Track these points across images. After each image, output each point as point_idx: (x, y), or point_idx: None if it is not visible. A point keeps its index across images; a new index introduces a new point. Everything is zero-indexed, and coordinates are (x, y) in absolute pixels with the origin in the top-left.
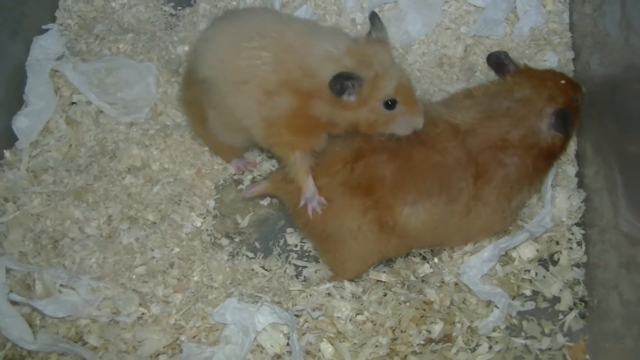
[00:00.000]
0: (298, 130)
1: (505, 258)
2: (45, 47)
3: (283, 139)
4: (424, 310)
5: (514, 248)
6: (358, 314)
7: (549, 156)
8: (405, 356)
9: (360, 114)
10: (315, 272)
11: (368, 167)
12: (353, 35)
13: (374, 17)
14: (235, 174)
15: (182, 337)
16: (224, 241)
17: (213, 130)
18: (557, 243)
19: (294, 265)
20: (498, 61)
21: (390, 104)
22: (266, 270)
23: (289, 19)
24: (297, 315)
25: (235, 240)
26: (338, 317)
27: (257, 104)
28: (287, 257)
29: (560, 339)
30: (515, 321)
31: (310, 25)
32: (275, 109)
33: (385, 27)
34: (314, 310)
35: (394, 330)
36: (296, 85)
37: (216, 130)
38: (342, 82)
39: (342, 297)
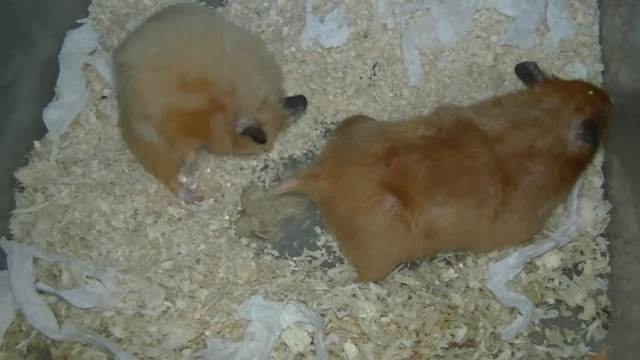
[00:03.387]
0: (191, 130)
1: (530, 266)
2: (79, 41)
3: (176, 133)
4: (448, 314)
5: (539, 256)
6: (383, 316)
7: (576, 166)
8: (428, 359)
9: (241, 149)
10: (340, 272)
11: (402, 165)
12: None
13: (302, 101)
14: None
15: (207, 332)
16: (249, 240)
17: (135, 128)
18: (582, 253)
19: (319, 265)
20: (526, 71)
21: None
22: (291, 269)
23: (224, 23)
24: (321, 315)
25: (261, 238)
26: (363, 318)
27: (166, 92)
28: (312, 257)
29: (583, 348)
30: (538, 329)
31: (241, 36)
32: (183, 104)
33: (302, 112)
34: (339, 310)
35: (418, 333)
36: (215, 92)
37: (137, 123)
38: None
39: (367, 299)
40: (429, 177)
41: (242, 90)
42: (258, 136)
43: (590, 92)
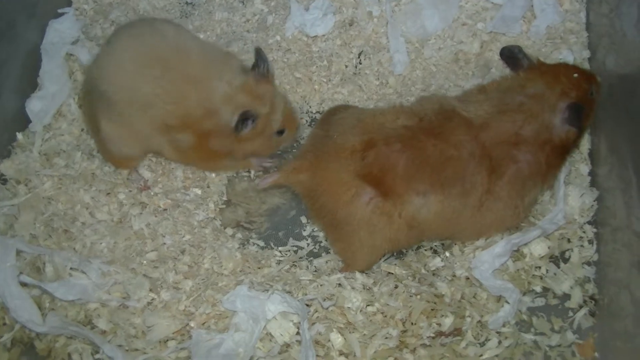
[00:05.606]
0: (205, 157)
1: (517, 254)
2: (61, 31)
3: (198, 162)
4: (435, 303)
5: (526, 244)
6: (368, 305)
7: (563, 151)
8: (415, 349)
9: (256, 143)
10: (326, 262)
11: (380, 157)
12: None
13: (259, 52)
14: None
15: (192, 324)
16: (235, 230)
17: (107, 141)
18: (569, 241)
19: (305, 255)
20: (511, 55)
21: (281, 132)
22: (277, 259)
23: (188, 40)
24: (307, 305)
25: (247, 229)
26: (348, 307)
27: (159, 130)
28: (297, 247)
29: (570, 336)
30: (525, 317)
31: (208, 53)
32: (178, 142)
33: (269, 61)
34: (324, 300)
35: (404, 322)
36: (196, 125)
37: (111, 140)
38: (243, 120)
39: (353, 288)
40: (410, 167)
41: (195, 102)
42: (245, 119)
43: (575, 75)
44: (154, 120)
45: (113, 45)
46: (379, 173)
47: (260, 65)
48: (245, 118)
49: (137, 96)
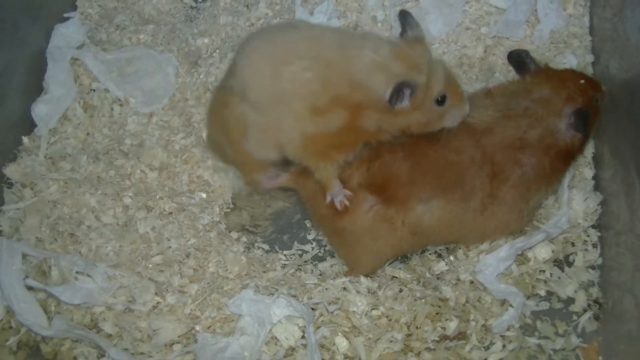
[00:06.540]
0: (341, 144)
1: (521, 258)
2: (67, 35)
3: (319, 154)
4: (439, 307)
5: (530, 248)
6: (373, 309)
7: (567, 156)
8: (420, 352)
9: (413, 118)
10: (331, 266)
11: (384, 165)
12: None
13: (406, 16)
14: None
15: (197, 327)
16: (240, 234)
17: (251, 147)
18: (573, 244)
19: (310, 258)
20: (519, 59)
21: (441, 100)
22: (282, 263)
23: (322, 31)
24: (312, 309)
25: (252, 232)
26: (353, 311)
27: (298, 121)
28: (302, 251)
29: (574, 340)
30: (529, 321)
31: (343, 34)
32: (324, 126)
33: (419, 23)
34: (329, 304)
35: (409, 326)
36: (346, 100)
37: (254, 147)
38: (399, 92)
39: (357, 292)
40: (413, 175)
41: (340, 77)
42: (401, 90)
43: (582, 81)
44: (291, 112)
45: (248, 53)
46: (382, 182)
47: (409, 28)
48: (400, 89)
49: (277, 95)
